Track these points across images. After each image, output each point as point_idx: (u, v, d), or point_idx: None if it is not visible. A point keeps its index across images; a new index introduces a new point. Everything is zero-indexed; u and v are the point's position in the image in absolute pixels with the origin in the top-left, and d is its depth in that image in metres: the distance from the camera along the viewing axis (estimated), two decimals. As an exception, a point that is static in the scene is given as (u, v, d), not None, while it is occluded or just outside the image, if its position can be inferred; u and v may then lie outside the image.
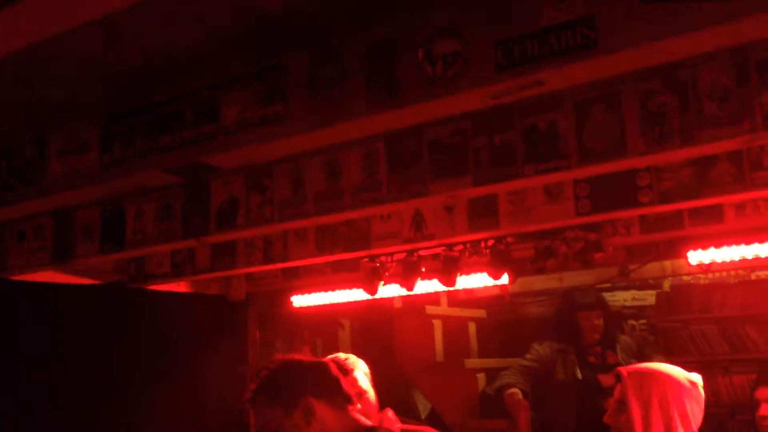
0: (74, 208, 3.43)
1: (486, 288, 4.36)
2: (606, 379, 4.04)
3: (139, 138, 2.57)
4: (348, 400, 1.87)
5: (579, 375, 4.09)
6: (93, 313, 4.11)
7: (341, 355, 2.77)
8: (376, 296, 4.03)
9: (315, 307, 4.68)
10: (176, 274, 4.04)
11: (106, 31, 2.14)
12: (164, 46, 2.29)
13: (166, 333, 4.40)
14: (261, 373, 1.90)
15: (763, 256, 3.53)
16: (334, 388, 1.87)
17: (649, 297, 5.23)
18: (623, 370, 2.22)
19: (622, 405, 2.15)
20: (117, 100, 2.64)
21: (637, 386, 2.13)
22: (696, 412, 2.12)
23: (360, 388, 2.63)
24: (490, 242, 3.58)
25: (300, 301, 4.66)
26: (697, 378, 2.19)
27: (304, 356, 2.03)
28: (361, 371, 2.76)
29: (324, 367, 1.93)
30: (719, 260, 3.62)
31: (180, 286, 4.46)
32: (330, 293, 4.54)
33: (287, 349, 5.45)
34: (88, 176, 2.78)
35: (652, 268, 4.59)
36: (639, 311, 5.26)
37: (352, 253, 3.67)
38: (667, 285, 5.15)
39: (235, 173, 3.02)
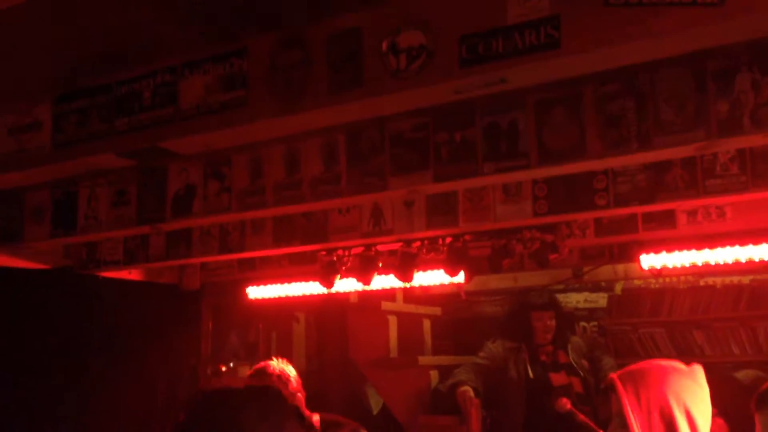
0: (23, 189, 3.34)
1: (442, 285, 4.38)
2: (557, 378, 4.10)
3: (95, 119, 2.50)
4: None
5: (530, 374, 4.13)
6: (41, 299, 4.00)
7: (273, 364, 2.54)
8: (333, 290, 4.01)
9: (270, 299, 4.63)
10: (129, 261, 3.96)
11: (64, 7, 2.08)
12: (124, 26, 2.23)
13: (117, 321, 4.31)
14: (180, 419, 1.27)
15: (712, 263, 3.60)
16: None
17: (601, 299, 5.33)
18: (614, 376, 1.92)
19: (621, 418, 1.85)
20: (73, 78, 2.57)
21: (632, 392, 1.86)
22: (699, 406, 1.86)
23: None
24: (448, 240, 3.59)
25: (255, 292, 4.61)
26: (695, 368, 1.92)
27: (245, 382, 1.44)
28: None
29: (279, 400, 1.33)
30: (670, 265, 3.69)
31: (132, 274, 4.37)
32: (286, 286, 4.49)
33: (241, 341, 5.40)
34: (40, 156, 2.70)
35: (604, 271, 4.66)
36: (591, 313, 5.35)
37: (309, 245, 3.64)
38: (618, 288, 5.25)
39: (193, 159, 2.96)
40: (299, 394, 2.45)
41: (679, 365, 1.94)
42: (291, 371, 2.50)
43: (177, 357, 4.72)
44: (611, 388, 1.93)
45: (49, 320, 4.00)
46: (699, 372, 1.92)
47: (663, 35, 1.68)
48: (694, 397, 1.87)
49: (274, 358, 2.57)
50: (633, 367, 2.00)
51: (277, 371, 2.44)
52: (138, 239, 3.88)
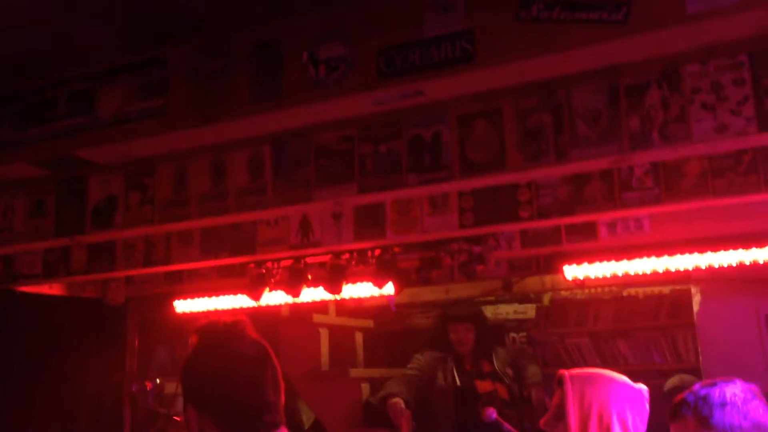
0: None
1: (374, 298, 4.39)
2: (482, 385, 4.17)
3: (7, 126, 2.43)
4: None
5: (458, 381, 4.19)
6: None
7: None
8: (262, 303, 3.97)
9: (199, 313, 4.55)
10: (48, 275, 3.82)
11: (-28, 11, 2.02)
12: (38, 31, 2.18)
13: (37, 338, 4.17)
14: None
15: (631, 273, 3.72)
16: None
17: (529, 310, 5.43)
18: (565, 372, 2.07)
19: (561, 411, 2.02)
20: (-16, 85, 2.49)
21: (577, 391, 2.00)
22: (638, 424, 1.98)
23: None
24: (377, 252, 3.61)
25: (183, 306, 4.52)
26: (642, 389, 2.05)
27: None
28: None
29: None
30: (593, 276, 3.80)
31: (53, 289, 4.23)
32: (215, 299, 4.43)
33: (170, 356, 5.27)
34: (-52, 166, 2.60)
35: (533, 283, 4.76)
36: (520, 324, 5.45)
37: (237, 257, 3.60)
38: (546, 299, 5.37)
39: (114, 169, 2.90)
40: None
41: (628, 381, 2.05)
42: None
43: (101, 375, 4.58)
44: (559, 382, 2.06)
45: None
46: (645, 393, 2.04)
47: (571, 50, 1.75)
48: (635, 411, 1.97)
49: None
50: (584, 369, 2.15)
51: None
52: (59, 252, 3.75)
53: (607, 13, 1.67)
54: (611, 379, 2.05)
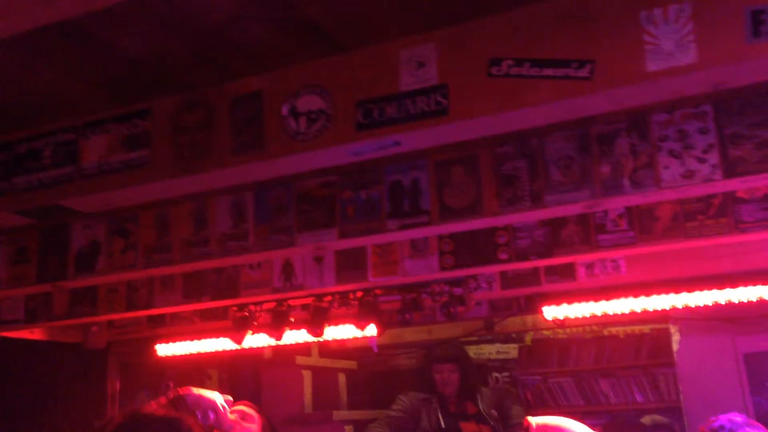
0: None
1: (357, 339, 4.41)
2: (467, 427, 4.16)
3: (-8, 176, 2.46)
4: None
5: (442, 423, 4.19)
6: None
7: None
8: (244, 345, 3.98)
9: (181, 356, 4.54)
10: (30, 320, 3.82)
11: (-40, 65, 2.07)
12: (23, 84, 2.22)
13: (17, 383, 4.13)
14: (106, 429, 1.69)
15: (610, 313, 3.78)
16: None
17: (512, 350, 5.45)
18: (531, 421, 2.17)
19: None
20: (-31, 136, 2.52)
21: None
22: None
23: None
24: (359, 294, 3.64)
25: (165, 350, 4.51)
26: None
27: (160, 410, 1.85)
28: None
29: (178, 424, 1.71)
30: (572, 316, 3.85)
31: (34, 333, 4.21)
32: (197, 342, 4.42)
33: (151, 400, 5.22)
34: (-68, 214, 2.61)
35: (514, 323, 4.80)
36: (503, 364, 5.46)
37: (220, 301, 3.62)
38: (528, 339, 5.40)
39: (97, 216, 2.93)
40: None
41: (586, 428, 2.16)
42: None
43: (81, 419, 4.53)
44: (527, 430, 2.13)
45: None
46: None
47: (541, 105, 1.82)
48: None
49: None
50: (549, 418, 2.23)
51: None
52: (40, 297, 3.75)
53: (573, 71, 1.75)
54: (579, 426, 2.15)
